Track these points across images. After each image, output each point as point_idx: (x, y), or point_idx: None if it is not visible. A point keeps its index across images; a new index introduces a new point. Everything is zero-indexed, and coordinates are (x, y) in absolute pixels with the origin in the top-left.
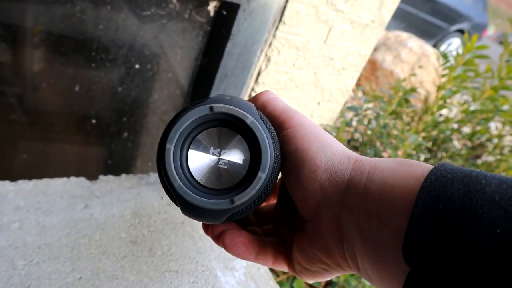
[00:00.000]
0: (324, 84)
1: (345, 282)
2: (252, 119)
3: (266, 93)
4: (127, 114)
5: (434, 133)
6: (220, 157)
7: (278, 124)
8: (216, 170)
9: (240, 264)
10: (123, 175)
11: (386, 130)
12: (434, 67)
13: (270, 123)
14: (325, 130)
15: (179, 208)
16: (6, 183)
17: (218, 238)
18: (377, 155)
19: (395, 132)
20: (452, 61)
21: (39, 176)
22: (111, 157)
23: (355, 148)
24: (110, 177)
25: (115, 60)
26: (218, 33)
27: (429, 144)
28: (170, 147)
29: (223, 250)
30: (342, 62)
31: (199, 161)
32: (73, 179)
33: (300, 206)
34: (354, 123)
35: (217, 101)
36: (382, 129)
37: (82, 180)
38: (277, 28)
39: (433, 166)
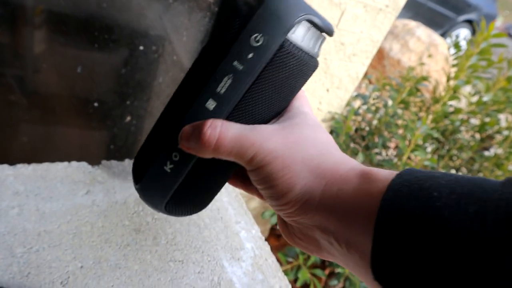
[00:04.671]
0: (334, 70)
1: (350, 274)
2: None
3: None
4: (130, 97)
5: (443, 124)
6: None
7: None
8: None
9: (248, 255)
10: (127, 160)
11: (395, 119)
12: (443, 56)
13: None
14: (333, 118)
15: None
16: (5, 166)
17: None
18: (384, 144)
19: (404, 122)
20: (463, 51)
21: (39, 160)
22: (113, 141)
23: (362, 137)
24: (113, 162)
25: (119, 40)
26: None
27: (438, 134)
28: None
29: (230, 239)
30: (353, 47)
31: None
32: (74, 163)
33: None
34: (361, 112)
35: None
36: (391, 118)
37: (83, 165)
38: None
39: (392, 179)
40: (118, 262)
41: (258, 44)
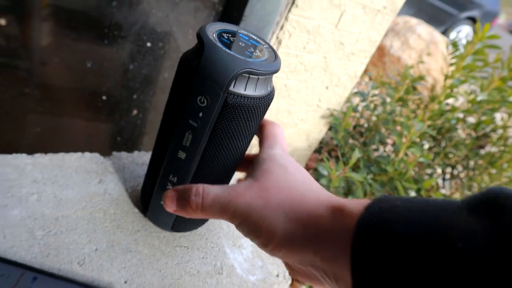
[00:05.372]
0: (333, 69)
1: None
2: None
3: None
4: (137, 92)
5: (440, 121)
6: None
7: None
8: None
9: (248, 243)
10: (136, 152)
11: (392, 116)
12: (443, 55)
13: None
14: (332, 115)
15: None
16: (24, 156)
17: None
18: (382, 141)
19: (401, 119)
20: (461, 49)
21: (51, 150)
22: (120, 133)
23: (360, 134)
24: (123, 154)
25: (127, 37)
26: (230, 14)
27: (434, 132)
28: None
29: (232, 228)
30: (352, 47)
31: None
32: (87, 154)
33: None
34: (360, 109)
35: None
36: (388, 115)
37: (96, 155)
38: (289, 10)
39: (360, 215)
40: (129, 246)
41: (203, 105)
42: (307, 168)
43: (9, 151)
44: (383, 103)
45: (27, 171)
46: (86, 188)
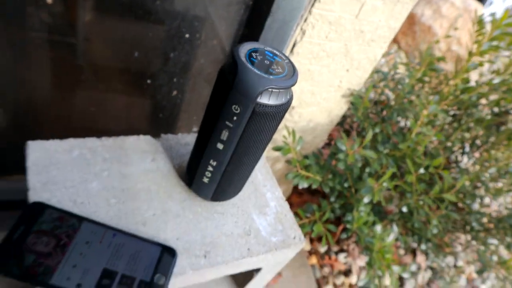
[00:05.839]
0: (353, 54)
1: (358, 229)
2: None
3: None
4: (177, 76)
5: (461, 97)
6: None
7: None
8: None
9: (271, 211)
10: (179, 134)
11: (410, 96)
12: (469, 30)
13: None
14: (352, 94)
15: None
16: (94, 139)
17: None
18: (402, 116)
19: (417, 100)
20: (488, 27)
21: (109, 130)
22: (162, 111)
23: (381, 110)
24: (170, 136)
25: (169, 30)
26: (259, 8)
27: (451, 112)
28: None
29: (258, 199)
30: (372, 34)
31: None
32: (142, 137)
33: None
34: (381, 86)
35: None
36: (407, 94)
37: (148, 137)
38: (313, 5)
39: None
40: (178, 212)
41: (237, 111)
42: (330, 139)
43: (79, 135)
44: (402, 83)
45: (98, 152)
46: (143, 165)
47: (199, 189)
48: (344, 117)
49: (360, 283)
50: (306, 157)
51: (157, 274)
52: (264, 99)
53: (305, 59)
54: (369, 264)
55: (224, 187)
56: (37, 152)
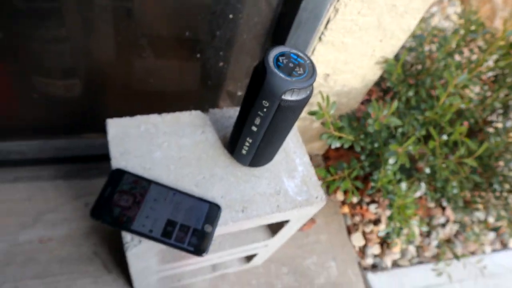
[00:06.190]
0: (386, 26)
1: (382, 187)
2: None
3: None
4: (223, 50)
5: (502, 64)
6: None
7: None
8: None
9: (299, 174)
10: (224, 108)
11: (445, 62)
12: None
13: None
14: (386, 61)
15: None
16: (156, 115)
17: None
18: (432, 85)
19: (462, 60)
20: None
21: (162, 96)
22: (210, 79)
23: (417, 74)
24: (216, 110)
25: (215, 13)
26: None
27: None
28: None
29: (288, 164)
30: (405, 7)
31: None
32: (193, 112)
33: None
34: (419, 49)
35: None
36: (443, 60)
37: (199, 112)
38: None
39: None
40: (223, 176)
41: (266, 105)
42: (366, 100)
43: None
44: (438, 49)
45: (160, 127)
46: (194, 137)
47: (239, 158)
48: (382, 78)
49: (381, 233)
50: (340, 118)
51: (206, 224)
52: (287, 96)
53: (338, 34)
54: (390, 218)
55: (258, 157)
56: (114, 127)
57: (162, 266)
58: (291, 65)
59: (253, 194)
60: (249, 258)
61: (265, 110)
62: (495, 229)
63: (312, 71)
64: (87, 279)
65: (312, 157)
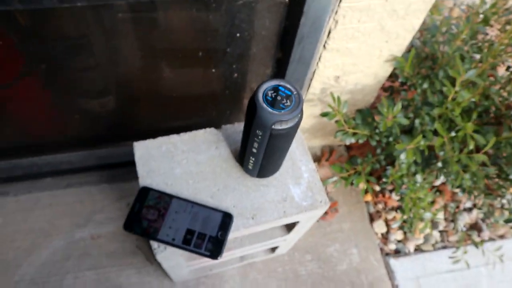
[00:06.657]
0: (389, 29)
1: (394, 181)
2: None
3: None
4: (236, 63)
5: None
6: None
7: None
8: None
9: (304, 181)
10: (236, 123)
11: (455, 54)
12: None
13: None
14: (395, 59)
15: None
16: (175, 135)
17: None
18: (446, 76)
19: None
20: None
21: (181, 106)
22: (228, 88)
23: (433, 63)
24: (228, 126)
25: (223, 34)
26: (293, 10)
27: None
28: None
29: (295, 172)
30: (405, 11)
31: None
32: (208, 129)
33: None
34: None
35: None
36: (454, 53)
37: (213, 130)
38: (340, 0)
39: None
40: (235, 187)
41: (260, 134)
42: (389, 87)
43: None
44: (448, 42)
45: (178, 145)
46: (209, 153)
47: (247, 171)
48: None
49: (394, 225)
50: (353, 118)
51: (220, 231)
52: (277, 126)
53: (342, 41)
54: (402, 211)
55: (263, 171)
56: (140, 150)
57: (190, 262)
58: (279, 98)
59: (262, 202)
60: (273, 248)
61: (260, 137)
62: None
63: (298, 102)
64: (131, 270)
65: (335, 148)
